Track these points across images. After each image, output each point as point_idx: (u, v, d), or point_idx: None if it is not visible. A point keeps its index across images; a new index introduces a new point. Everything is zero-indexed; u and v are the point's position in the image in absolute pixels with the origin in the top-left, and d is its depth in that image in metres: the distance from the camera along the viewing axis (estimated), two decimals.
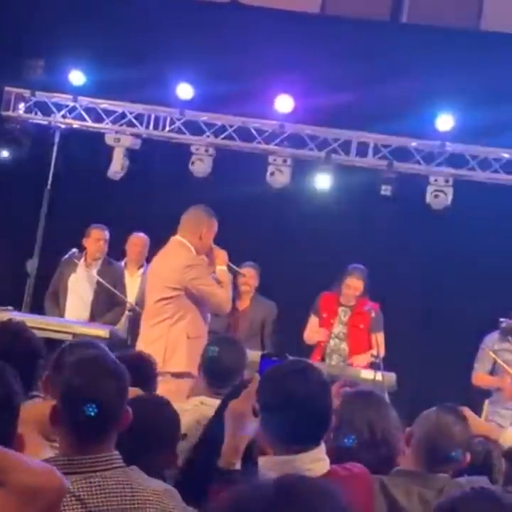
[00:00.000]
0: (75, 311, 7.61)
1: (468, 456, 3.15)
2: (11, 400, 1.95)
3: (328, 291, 7.50)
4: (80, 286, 7.67)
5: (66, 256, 7.66)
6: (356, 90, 8.27)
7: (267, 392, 2.58)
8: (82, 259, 7.72)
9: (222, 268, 6.01)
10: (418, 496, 2.98)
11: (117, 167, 8.68)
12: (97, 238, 7.75)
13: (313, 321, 7.47)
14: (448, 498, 1.94)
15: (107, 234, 7.80)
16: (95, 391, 2.43)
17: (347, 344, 7.30)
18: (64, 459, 2.38)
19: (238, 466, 2.58)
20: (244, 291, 7.65)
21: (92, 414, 2.38)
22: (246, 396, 2.61)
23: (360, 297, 7.35)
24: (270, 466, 2.53)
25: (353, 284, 7.33)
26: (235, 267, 6.33)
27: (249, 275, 7.59)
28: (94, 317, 7.60)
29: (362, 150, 8.67)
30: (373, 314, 7.17)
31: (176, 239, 5.97)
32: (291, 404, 2.54)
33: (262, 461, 2.56)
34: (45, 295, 7.84)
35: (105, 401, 2.43)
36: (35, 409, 2.84)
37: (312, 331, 7.42)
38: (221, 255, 6.02)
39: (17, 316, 6.58)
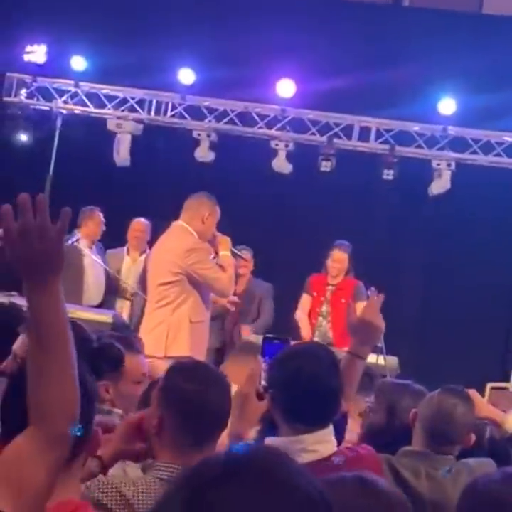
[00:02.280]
0: (93, 296, 7.61)
1: (472, 437, 3.16)
2: (85, 394, 1.92)
3: (317, 273, 7.57)
4: (95, 271, 7.66)
5: (70, 241, 7.63)
6: (358, 74, 8.25)
7: (276, 370, 2.61)
8: (85, 243, 7.71)
9: (225, 253, 6.02)
10: (426, 474, 3.02)
11: (125, 154, 8.68)
12: (100, 221, 7.78)
13: (304, 299, 7.55)
14: (481, 481, 1.91)
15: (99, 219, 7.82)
16: (211, 398, 2.41)
17: (328, 321, 7.39)
18: (171, 467, 2.33)
19: None
20: (243, 274, 7.69)
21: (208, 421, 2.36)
22: (250, 379, 2.64)
23: (345, 276, 7.43)
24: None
25: (337, 257, 7.40)
26: (237, 251, 6.35)
27: (247, 257, 7.67)
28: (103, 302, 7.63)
29: (364, 134, 8.66)
30: (356, 285, 7.24)
31: (179, 224, 5.99)
32: (298, 383, 2.57)
33: (267, 442, 2.59)
34: None
35: (217, 407, 2.42)
36: None
37: (302, 314, 7.48)
38: (224, 241, 6.04)
39: (21, 301, 6.61)
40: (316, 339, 7.21)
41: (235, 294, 7.50)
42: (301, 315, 7.49)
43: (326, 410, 2.63)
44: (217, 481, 1.07)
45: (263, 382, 2.64)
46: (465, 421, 3.12)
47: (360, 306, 6.93)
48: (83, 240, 7.72)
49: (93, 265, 7.67)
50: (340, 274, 7.45)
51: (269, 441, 2.59)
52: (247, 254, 7.56)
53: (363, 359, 2.99)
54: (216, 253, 6.05)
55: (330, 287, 7.49)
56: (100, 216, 7.80)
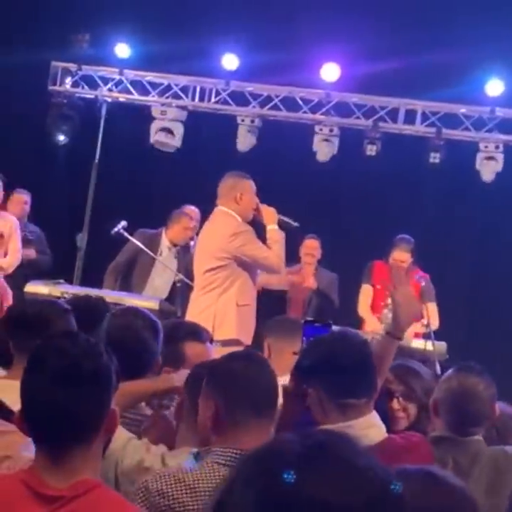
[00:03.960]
0: (159, 291, 7.58)
1: (497, 409, 3.10)
2: (100, 374, 1.97)
3: (379, 260, 7.43)
4: (166, 269, 7.59)
5: (115, 229, 7.63)
6: (403, 57, 8.15)
7: (313, 358, 2.64)
8: (167, 242, 7.69)
9: (272, 227, 5.88)
10: (453, 464, 2.96)
11: (178, 142, 8.71)
12: (185, 226, 7.68)
13: (365, 290, 7.42)
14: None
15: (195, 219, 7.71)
16: (260, 375, 2.45)
17: None
18: (230, 451, 2.34)
19: None
20: (307, 262, 7.67)
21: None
22: (293, 378, 2.69)
23: (411, 268, 7.28)
24: None
25: (400, 257, 7.25)
26: (286, 219, 6.03)
27: (313, 246, 7.62)
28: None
29: (410, 117, 8.56)
30: (423, 283, 7.10)
31: (219, 209, 5.96)
32: (335, 369, 2.59)
33: None
34: (109, 267, 7.71)
35: (268, 384, 2.46)
36: None
37: (364, 305, 7.37)
38: (269, 213, 5.91)
39: (68, 289, 6.67)
40: (382, 332, 7.07)
41: (301, 285, 7.50)
42: (364, 309, 7.36)
43: (367, 392, 2.66)
44: (296, 467, 1.05)
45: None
46: (488, 397, 3.05)
47: (432, 307, 6.94)
48: (165, 241, 7.69)
49: (163, 269, 7.61)
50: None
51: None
52: (313, 242, 7.54)
53: (398, 339, 3.03)
54: (264, 227, 5.94)
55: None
56: (187, 220, 7.70)
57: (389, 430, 2.83)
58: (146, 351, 3.05)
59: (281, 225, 5.96)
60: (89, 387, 1.95)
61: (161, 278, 7.64)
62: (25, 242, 7.75)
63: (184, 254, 7.70)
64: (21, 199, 7.99)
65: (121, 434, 2.56)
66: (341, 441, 1.12)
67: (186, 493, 2.23)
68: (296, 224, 6.09)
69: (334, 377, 2.62)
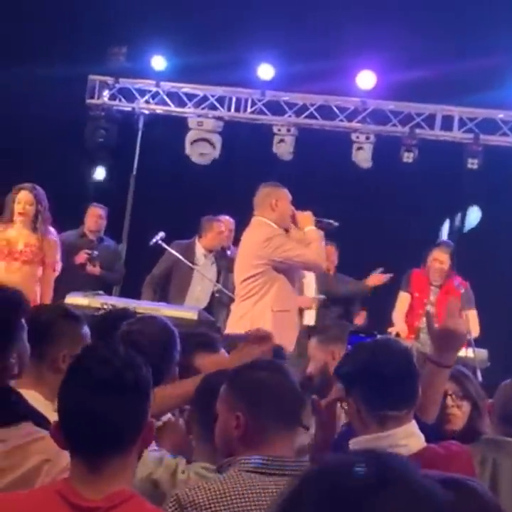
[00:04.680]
0: (197, 300, 7.61)
1: None
2: (141, 384, 1.98)
3: (417, 268, 7.39)
4: (204, 278, 7.61)
5: (153, 240, 7.68)
6: (439, 63, 8.12)
7: (354, 367, 2.62)
8: (202, 249, 7.73)
9: (309, 229, 5.90)
10: (492, 464, 2.97)
11: (215, 153, 8.75)
12: (219, 231, 7.72)
13: (403, 298, 7.37)
14: None
15: (222, 225, 7.74)
16: (283, 382, 2.42)
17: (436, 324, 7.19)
18: (258, 459, 2.33)
19: None
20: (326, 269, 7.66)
21: None
22: (334, 393, 2.66)
23: (449, 274, 7.23)
24: (363, 447, 2.54)
25: (440, 257, 7.20)
26: (325, 219, 6.05)
27: (330, 252, 7.58)
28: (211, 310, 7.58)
29: (447, 123, 8.52)
30: (463, 290, 7.04)
31: (255, 219, 6.00)
32: (377, 379, 2.56)
33: (353, 443, 2.57)
34: (145, 281, 7.78)
35: (295, 395, 2.43)
36: None
37: (400, 312, 7.33)
38: (305, 217, 5.94)
39: (107, 300, 6.72)
40: (421, 341, 7.05)
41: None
42: (398, 316, 7.33)
43: (407, 402, 2.62)
44: (367, 490, 1.05)
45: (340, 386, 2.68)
46: None
47: (472, 314, 6.87)
48: (200, 249, 7.73)
49: (202, 278, 7.64)
50: (442, 275, 7.26)
51: (355, 440, 2.57)
52: (330, 248, 7.48)
53: (447, 367, 2.91)
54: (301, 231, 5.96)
55: (434, 288, 7.27)
56: (218, 224, 7.72)
57: (443, 430, 2.82)
58: (162, 360, 3.00)
59: (321, 228, 5.96)
60: (131, 398, 1.96)
61: (200, 287, 7.67)
62: (91, 259, 7.79)
63: (220, 260, 7.73)
64: (96, 213, 8.05)
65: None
66: (403, 462, 1.12)
67: (217, 502, 2.23)
68: (335, 224, 6.08)
69: (375, 388, 2.57)
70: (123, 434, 1.94)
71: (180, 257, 7.52)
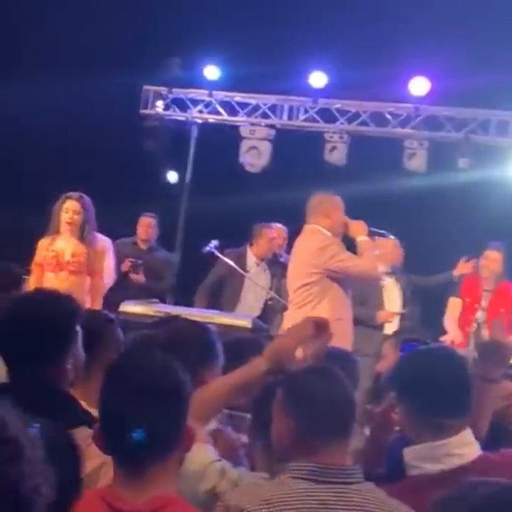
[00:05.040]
0: (249, 308, 7.64)
1: None
2: (178, 390, 1.99)
3: (469, 273, 7.33)
4: (256, 286, 7.65)
5: (206, 247, 7.71)
6: (493, 68, 8.03)
7: (407, 374, 2.59)
8: (254, 258, 7.77)
9: (361, 239, 5.90)
10: None
11: (266, 161, 8.79)
12: (270, 237, 7.75)
13: (453, 303, 7.31)
14: None
15: (273, 231, 7.77)
16: (335, 393, 2.36)
17: (486, 329, 7.12)
18: (311, 466, 2.31)
19: (381, 469, 2.59)
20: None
21: None
22: (388, 402, 2.64)
23: (501, 279, 7.16)
24: (417, 456, 2.52)
25: (493, 256, 7.15)
26: (377, 230, 6.10)
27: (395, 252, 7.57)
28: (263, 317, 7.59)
29: (502, 129, 8.42)
30: None
31: (308, 226, 6.01)
32: (431, 386, 2.54)
33: (407, 453, 2.55)
34: (198, 289, 7.83)
35: (344, 406, 2.37)
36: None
37: (451, 318, 7.27)
38: (358, 226, 5.94)
39: (162, 308, 6.77)
40: (470, 348, 6.97)
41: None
42: (450, 322, 7.26)
43: (462, 411, 2.58)
44: None
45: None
46: None
47: None
48: (252, 257, 7.75)
49: (254, 286, 7.65)
50: (493, 276, 7.18)
51: (410, 449, 2.55)
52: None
53: (493, 381, 2.87)
54: (354, 241, 5.96)
55: (486, 293, 7.22)
56: (269, 231, 7.74)
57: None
58: (202, 361, 2.96)
59: (373, 235, 5.96)
60: (167, 403, 1.97)
61: (253, 295, 7.69)
62: (134, 267, 7.87)
63: (273, 267, 7.74)
64: (146, 222, 8.16)
65: (204, 456, 2.51)
66: None
67: (263, 509, 2.23)
68: (388, 235, 6.08)
69: (430, 396, 2.55)
70: (161, 439, 1.96)
71: (233, 264, 7.55)
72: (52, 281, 6.33)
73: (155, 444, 1.95)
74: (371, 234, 5.95)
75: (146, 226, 8.13)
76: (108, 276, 7.64)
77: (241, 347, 3.44)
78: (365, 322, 6.88)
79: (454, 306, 7.29)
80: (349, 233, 5.93)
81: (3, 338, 2.50)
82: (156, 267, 8.02)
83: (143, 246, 8.06)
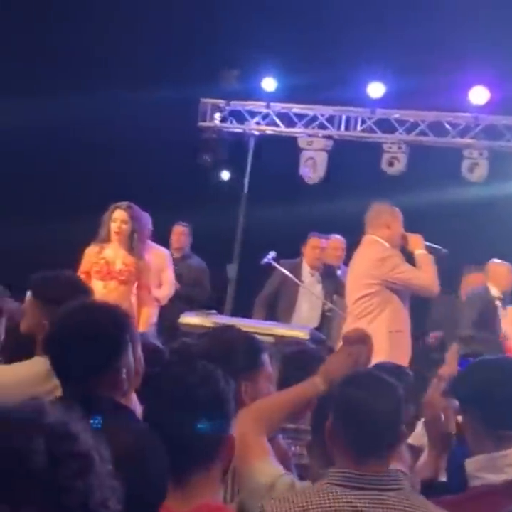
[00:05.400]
0: (306, 319, 7.66)
1: None
2: (216, 401, 1.99)
3: None
4: (310, 295, 7.70)
5: (264, 259, 7.75)
6: None
7: (473, 384, 2.59)
8: (308, 267, 7.80)
9: (419, 252, 5.87)
10: None
11: (324, 172, 8.79)
12: (313, 246, 7.81)
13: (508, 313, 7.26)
14: None
15: (324, 241, 7.79)
16: (373, 405, 2.33)
17: None
18: (347, 472, 2.30)
19: (443, 476, 2.56)
20: None
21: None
22: (447, 414, 2.62)
23: None
24: (479, 467, 2.50)
25: None
26: (434, 245, 6.01)
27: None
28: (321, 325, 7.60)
29: None
30: None
31: (367, 237, 5.99)
32: (496, 398, 2.51)
33: (468, 463, 2.53)
34: (255, 301, 7.89)
35: (382, 416, 2.32)
36: (253, 406, 2.86)
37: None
38: (416, 239, 5.91)
39: (220, 319, 6.80)
40: None
41: None
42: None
43: None
44: None
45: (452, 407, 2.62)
46: None
47: None
48: (306, 267, 7.77)
49: (309, 296, 7.67)
50: None
51: (472, 461, 2.52)
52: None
53: None
54: (412, 254, 5.93)
55: None
56: (313, 240, 7.77)
57: None
58: (247, 368, 2.92)
59: (430, 252, 5.91)
60: (205, 414, 1.97)
61: (308, 304, 7.69)
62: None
63: (327, 277, 7.73)
64: (179, 230, 8.25)
65: (274, 468, 2.50)
66: None
67: None
68: (444, 250, 6.03)
69: (494, 408, 2.52)
70: (200, 449, 1.96)
71: (287, 273, 7.57)
72: (101, 289, 6.18)
73: (194, 455, 1.95)
74: (427, 248, 5.91)
75: (179, 234, 8.21)
76: (169, 287, 7.71)
77: (303, 359, 3.44)
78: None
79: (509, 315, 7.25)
80: (407, 246, 5.90)
81: (55, 350, 2.50)
82: (192, 274, 8.10)
83: (176, 254, 8.10)
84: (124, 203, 6.31)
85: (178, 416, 1.95)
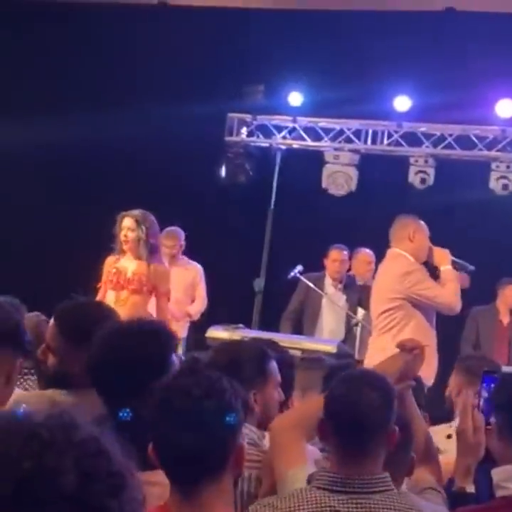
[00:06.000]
0: (331, 332, 7.68)
1: None
2: (223, 412, 1.98)
3: None
4: (334, 307, 7.74)
5: (291, 273, 7.79)
6: None
7: (502, 396, 2.60)
8: (330, 280, 7.84)
9: (446, 268, 5.84)
10: None
11: (351, 186, 8.81)
12: (333, 259, 7.85)
13: None
14: None
15: (345, 254, 7.87)
16: (355, 402, 2.35)
17: None
18: (332, 476, 2.32)
19: (472, 488, 2.56)
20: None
21: None
22: (465, 415, 2.62)
23: None
24: (506, 477, 2.50)
25: None
26: (461, 261, 5.98)
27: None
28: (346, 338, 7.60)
29: None
30: None
31: (392, 250, 5.98)
32: None
33: (495, 473, 2.53)
34: (282, 315, 7.96)
35: (366, 413, 2.34)
36: (287, 414, 2.87)
37: None
38: (443, 254, 5.88)
39: (247, 333, 6.81)
40: None
41: (502, 324, 7.37)
42: None
43: None
44: None
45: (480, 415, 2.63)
46: None
47: None
48: (328, 280, 7.84)
49: (333, 308, 7.71)
50: None
51: (498, 471, 2.52)
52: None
53: None
54: (437, 269, 5.90)
55: None
56: (334, 252, 7.84)
57: None
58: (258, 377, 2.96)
59: (456, 268, 5.88)
60: (212, 426, 1.97)
61: (332, 316, 7.71)
62: None
63: (351, 289, 7.76)
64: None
65: (306, 476, 2.50)
66: None
67: None
68: (471, 267, 5.99)
69: None
70: (209, 461, 1.96)
71: (311, 284, 7.61)
72: (113, 300, 6.04)
73: (202, 467, 1.95)
74: (454, 264, 5.87)
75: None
76: (202, 302, 7.74)
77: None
78: None
79: None
80: (432, 260, 5.88)
81: (97, 372, 2.47)
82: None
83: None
84: (134, 211, 6.14)
85: (184, 430, 1.96)
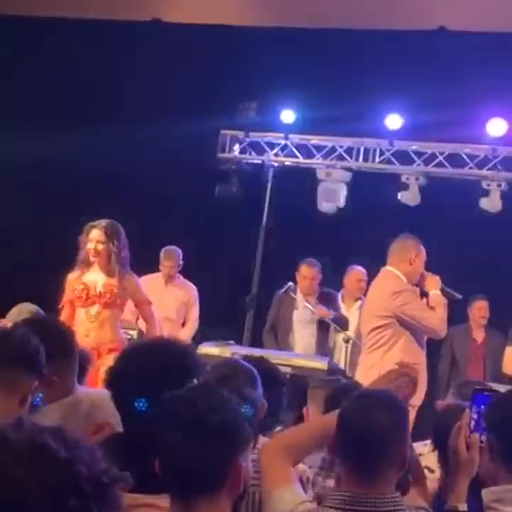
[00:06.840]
0: (303, 347, 7.73)
1: None
2: (226, 428, 1.98)
3: None
4: (303, 323, 7.78)
5: (282, 290, 7.83)
6: None
7: (494, 416, 2.60)
8: (301, 295, 7.87)
9: (435, 292, 5.92)
10: None
11: (342, 203, 8.84)
12: (303, 276, 7.87)
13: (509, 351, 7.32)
14: None
15: (314, 271, 7.86)
16: (365, 423, 2.35)
17: None
18: (343, 495, 2.32)
19: (464, 506, 2.57)
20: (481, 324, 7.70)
21: None
22: (458, 431, 2.63)
23: None
24: (495, 498, 2.50)
25: None
26: (449, 289, 6.11)
27: (480, 306, 7.62)
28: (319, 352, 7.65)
29: None
30: None
31: (386, 269, 6.01)
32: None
33: (485, 493, 2.53)
34: (263, 331, 8.05)
35: (376, 433, 2.34)
36: (279, 436, 2.87)
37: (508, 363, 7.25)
38: (433, 280, 5.96)
39: (238, 350, 6.81)
40: None
41: (476, 343, 7.43)
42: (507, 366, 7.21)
43: None
44: None
45: (475, 434, 2.64)
46: None
47: None
48: (299, 295, 7.85)
49: (303, 323, 7.76)
50: None
51: (488, 491, 2.53)
52: (481, 302, 7.54)
53: None
54: (426, 293, 5.96)
55: None
56: (303, 268, 7.87)
57: None
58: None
59: (445, 295, 5.96)
60: (214, 441, 1.96)
61: (303, 331, 7.75)
62: None
63: (326, 303, 7.78)
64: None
65: (293, 497, 2.48)
66: None
67: None
68: (459, 296, 6.10)
69: (506, 452, 2.55)
70: (207, 476, 1.96)
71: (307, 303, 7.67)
72: (83, 317, 5.82)
73: (199, 481, 1.95)
74: (443, 291, 5.96)
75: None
76: (193, 325, 7.77)
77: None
78: None
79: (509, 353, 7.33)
80: (423, 285, 5.94)
81: (119, 392, 2.37)
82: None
83: None
84: (102, 222, 5.91)
85: (183, 442, 1.96)
